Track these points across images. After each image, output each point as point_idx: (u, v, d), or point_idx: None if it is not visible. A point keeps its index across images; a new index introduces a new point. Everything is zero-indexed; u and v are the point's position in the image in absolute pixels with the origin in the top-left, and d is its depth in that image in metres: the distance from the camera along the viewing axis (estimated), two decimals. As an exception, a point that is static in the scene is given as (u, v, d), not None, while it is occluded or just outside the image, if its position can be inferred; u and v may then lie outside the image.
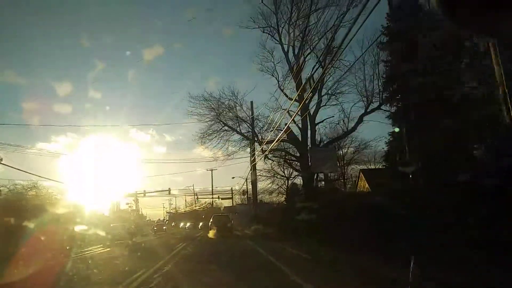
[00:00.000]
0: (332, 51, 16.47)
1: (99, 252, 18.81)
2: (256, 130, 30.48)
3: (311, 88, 13.78)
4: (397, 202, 13.38)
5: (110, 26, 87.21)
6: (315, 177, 27.98)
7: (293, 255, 13.51)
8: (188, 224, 61.62)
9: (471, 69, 12.64)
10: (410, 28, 14.31)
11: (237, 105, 30.42)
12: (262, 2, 25.78)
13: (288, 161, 32.14)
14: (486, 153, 10.40)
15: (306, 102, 23.01)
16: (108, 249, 20.35)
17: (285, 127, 22.89)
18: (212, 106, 30.23)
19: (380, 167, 28.52)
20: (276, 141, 25.35)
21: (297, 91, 22.20)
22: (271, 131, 26.91)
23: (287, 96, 26.53)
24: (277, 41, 27.04)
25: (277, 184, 38.52)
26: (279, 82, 27.74)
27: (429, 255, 8.14)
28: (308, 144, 26.98)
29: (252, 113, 30.06)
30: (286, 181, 38.04)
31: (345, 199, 20.15)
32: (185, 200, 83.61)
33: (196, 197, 66.79)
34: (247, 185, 44.17)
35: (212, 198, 61.52)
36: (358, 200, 17.13)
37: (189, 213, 75.71)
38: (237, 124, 30.71)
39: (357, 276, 8.32)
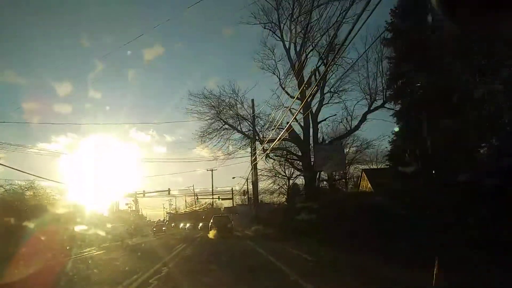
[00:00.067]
0: (335, 48, 16.22)
1: (93, 254, 18.04)
2: (257, 129, 30.07)
3: (316, 81, 13.33)
4: (397, 202, 13.39)
5: (110, 26, 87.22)
6: (317, 176, 27.67)
7: (293, 255, 13.50)
8: (187, 224, 61.48)
9: (472, 69, 12.62)
10: (414, 26, 14.07)
11: (237, 103, 30.02)
12: None
13: (289, 160, 31.66)
14: (487, 153, 10.40)
15: (309, 100, 22.66)
16: (102, 251, 19.47)
17: (287, 126, 22.60)
18: (212, 104, 29.88)
19: (384, 166, 28.26)
20: (278, 140, 25.02)
21: (299, 89, 21.87)
22: (272, 129, 26.59)
23: (288, 94, 26.19)
24: (279, 37, 26.67)
25: (278, 184, 38.18)
26: (281, 80, 27.36)
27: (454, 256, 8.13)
28: (310, 143, 26.64)
29: (253, 111, 29.68)
30: (287, 181, 37.65)
31: (345, 199, 20.15)
32: (185, 201, 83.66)
33: (196, 197, 66.76)
34: (247, 185, 43.96)
35: (213, 198, 61.44)
36: (359, 200, 17.12)
37: (189, 214, 75.64)
38: (238, 122, 30.33)
39: (358, 276, 8.32)
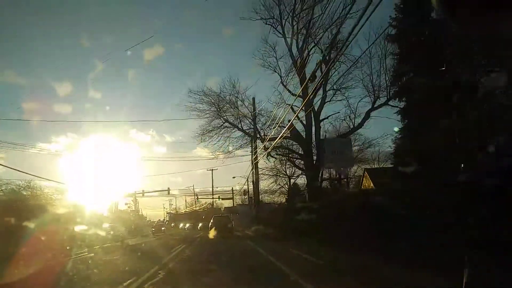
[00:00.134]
0: (338, 45, 15.83)
1: (93, 255, 17.42)
2: (258, 127, 29.62)
3: (322, 73, 13.00)
4: (397, 202, 13.38)
5: (110, 26, 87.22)
6: (320, 175, 27.31)
7: (294, 255, 13.50)
8: (187, 225, 61.40)
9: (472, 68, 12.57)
10: (418, 23, 13.81)
11: (238, 100, 29.60)
12: None
13: (291, 159, 31.14)
14: (487, 153, 10.40)
15: (311, 97, 22.26)
16: (101, 251, 18.81)
17: (289, 124, 22.27)
18: (212, 101, 29.49)
19: (385, 166, 27.91)
20: (279, 138, 24.65)
21: (301, 86, 21.51)
22: (274, 128, 26.29)
23: (290, 92, 25.81)
24: (280, 33, 26.23)
25: (279, 184, 37.68)
26: (282, 78, 26.91)
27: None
28: (313, 141, 26.30)
29: (254, 109, 29.28)
30: (289, 181, 37.17)
31: (345, 199, 20.12)
32: (185, 201, 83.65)
33: (196, 197, 66.74)
34: (248, 184, 43.76)
35: (213, 198, 61.40)
36: (359, 200, 17.09)
37: (189, 214, 75.64)
38: (238, 120, 29.94)
39: (358, 276, 8.32)
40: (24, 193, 27.12)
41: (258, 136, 29.48)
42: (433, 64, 13.45)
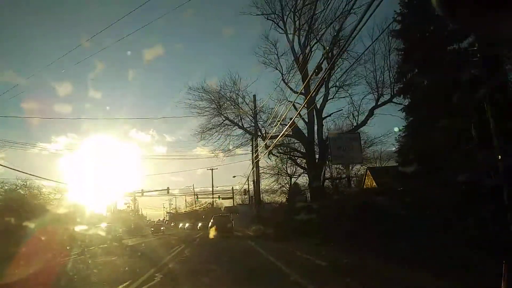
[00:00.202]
0: (340, 41, 15.45)
1: (92, 255, 16.69)
2: (259, 125, 29.07)
3: (328, 64, 12.62)
4: (397, 202, 13.38)
5: (110, 26, 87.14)
6: (322, 174, 26.82)
7: (294, 255, 13.50)
8: (187, 224, 61.40)
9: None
10: (422, 19, 13.53)
11: (239, 97, 29.06)
12: None
13: (292, 157, 30.53)
14: (487, 153, 10.38)
15: (313, 95, 21.83)
16: (89, 255, 16.56)
17: (291, 122, 21.81)
18: (212, 98, 29.04)
19: (387, 165, 27.58)
20: (281, 136, 24.15)
21: (303, 83, 21.10)
22: (275, 125, 25.78)
23: (292, 89, 25.36)
24: (282, 29, 25.72)
25: (280, 184, 36.98)
26: (283, 75, 26.45)
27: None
28: (315, 139, 25.93)
29: (255, 107, 28.79)
30: (289, 180, 36.24)
31: (345, 199, 20.10)
32: (185, 200, 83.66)
33: (196, 197, 66.68)
34: (248, 184, 43.60)
35: (213, 198, 61.40)
36: (359, 200, 17.08)
37: (189, 214, 75.64)
38: (239, 118, 29.48)
39: (358, 276, 8.32)
40: (22, 191, 26.97)
41: (259, 134, 28.93)
42: (438, 60, 13.10)
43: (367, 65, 25.81)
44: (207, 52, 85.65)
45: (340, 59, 21.86)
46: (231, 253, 15.44)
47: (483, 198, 9.75)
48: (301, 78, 23.65)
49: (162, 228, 50.22)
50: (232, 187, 58.72)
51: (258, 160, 30.14)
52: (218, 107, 29.11)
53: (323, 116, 26.32)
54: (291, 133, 25.89)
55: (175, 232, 52.20)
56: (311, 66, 22.97)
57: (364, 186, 31.07)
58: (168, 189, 51.96)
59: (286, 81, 25.94)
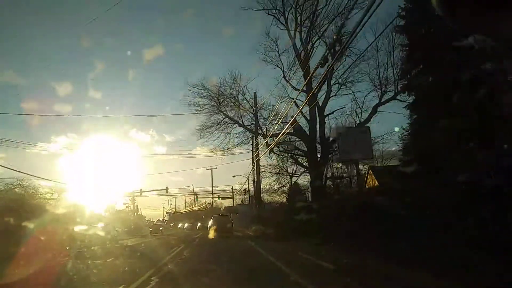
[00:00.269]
0: (343, 38, 15.22)
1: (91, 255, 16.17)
2: (260, 122, 28.58)
3: (335, 55, 12.25)
4: (397, 202, 13.37)
5: (110, 26, 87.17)
6: (324, 173, 26.49)
7: (294, 255, 13.50)
8: (186, 225, 61.39)
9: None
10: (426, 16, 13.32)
11: (239, 93, 28.61)
12: None
13: (294, 156, 30.01)
14: (487, 153, 10.37)
15: (315, 92, 21.37)
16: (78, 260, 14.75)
17: (292, 119, 21.50)
18: (212, 95, 28.68)
19: (394, 163, 27.13)
20: (282, 134, 23.80)
21: (305, 80, 20.75)
22: (276, 123, 25.43)
23: (293, 87, 25.07)
24: (283, 24, 25.30)
25: (280, 183, 36.34)
26: (284, 73, 26.06)
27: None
28: (317, 137, 25.57)
29: (255, 104, 28.39)
30: (290, 180, 35.52)
31: (345, 199, 20.10)
32: (185, 200, 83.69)
33: (195, 197, 66.69)
34: (248, 184, 43.44)
35: (212, 198, 61.39)
36: (359, 200, 17.08)
37: (189, 214, 75.66)
38: (239, 115, 29.10)
39: (358, 276, 8.32)
40: (17, 190, 26.85)
41: (260, 132, 28.53)
42: (438, 60, 12.92)
43: (370, 62, 25.20)
44: (207, 52, 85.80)
45: (342, 55, 21.35)
46: (231, 253, 15.42)
47: (483, 198, 9.74)
48: (302, 76, 23.41)
49: (161, 228, 49.70)
50: (232, 187, 58.78)
51: (259, 159, 29.74)
52: (218, 104, 28.73)
53: (325, 114, 25.93)
54: (292, 131, 25.61)
55: (174, 232, 52.10)
56: (313, 63, 23.00)
57: (367, 186, 30.71)
58: (167, 188, 51.43)
59: (287, 79, 25.63)
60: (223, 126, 29.25)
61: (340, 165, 29.51)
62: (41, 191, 29.74)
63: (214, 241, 25.37)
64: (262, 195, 35.87)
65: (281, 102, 26.20)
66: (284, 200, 37.23)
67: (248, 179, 40.62)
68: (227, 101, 28.86)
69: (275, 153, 29.56)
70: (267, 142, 26.21)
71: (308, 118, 25.61)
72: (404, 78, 16.69)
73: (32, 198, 27.39)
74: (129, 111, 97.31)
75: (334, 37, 12.16)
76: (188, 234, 42.24)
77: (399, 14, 14.76)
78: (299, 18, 24.66)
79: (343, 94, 26.82)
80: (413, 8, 14.21)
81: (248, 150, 33.16)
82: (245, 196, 54.60)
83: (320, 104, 25.48)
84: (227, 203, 63.36)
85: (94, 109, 75.49)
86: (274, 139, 25.20)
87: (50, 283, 9.34)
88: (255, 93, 28.81)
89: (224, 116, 29.04)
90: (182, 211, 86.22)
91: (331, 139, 26.20)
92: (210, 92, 28.83)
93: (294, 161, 31.09)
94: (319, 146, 26.52)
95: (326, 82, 24.44)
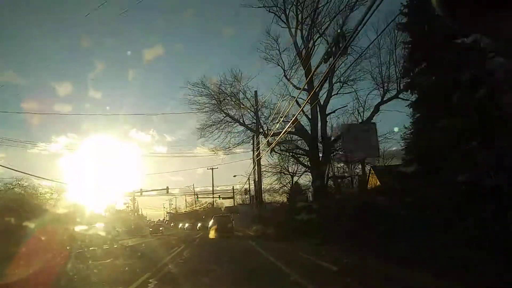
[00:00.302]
0: (345, 36, 15.08)
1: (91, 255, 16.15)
2: (261, 121, 28.38)
3: (340, 49, 12.08)
4: (397, 202, 13.37)
5: (110, 26, 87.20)
6: (326, 173, 26.25)
7: (294, 255, 13.51)
8: (186, 224, 61.39)
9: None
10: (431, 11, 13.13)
11: (240, 92, 28.41)
12: None
13: (295, 155, 29.76)
14: (487, 153, 10.36)
15: (317, 90, 21.18)
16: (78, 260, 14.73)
17: (293, 118, 21.29)
18: (212, 93, 28.50)
19: (397, 163, 26.90)
20: (283, 133, 23.66)
21: (306, 79, 20.53)
22: (277, 122, 25.23)
23: (294, 85, 24.76)
24: (284, 22, 25.03)
25: (281, 183, 36.15)
26: (285, 71, 25.84)
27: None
28: (319, 136, 25.40)
29: (256, 103, 28.16)
30: (291, 179, 35.30)
31: (346, 199, 20.08)
32: (185, 200, 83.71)
33: (196, 197, 66.66)
34: (249, 183, 43.32)
35: (213, 197, 61.36)
36: (359, 200, 17.07)
37: (189, 214, 75.67)
38: (240, 114, 28.93)
39: (358, 276, 8.32)
40: (17, 190, 26.81)
41: (261, 130, 28.33)
42: (439, 59, 12.81)
43: (372, 60, 24.97)
44: (207, 52, 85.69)
45: (346, 51, 21.29)
46: (231, 253, 15.41)
47: (483, 198, 9.73)
48: (303, 74, 23.22)
49: (161, 228, 49.43)
50: (233, 187, 58.69)
51: (260, 158, 29.51)
52: (218, 103, 28.53)
53: (327, 113, 25.72)
54: (293, 130, 25.45)
55: (175, 232, 52.04)
56: (314, 62, 22.62)
57: (369, 186, 30.47)
58: (167, 188, 51.37)
59: (288, 77, 25.45)
60: (224, 125, 29.12)
61: (342, 164, 29.43)
62: (40, 191, 29.76)
63: (214, 241, 25.37)
64: (263, 195, 35.63)
65: (282, 101, 25.93)
66: (285, 200, 37.21)
67: (249, 178, 40.47)
68: (227, 99, 28.70)
69: (276, 152, 29.40)
70: (268, 141, 26.00)
71: (310, 117, 25.41)
72: (406, 76, 16.46)
73: (33, 198, 27.37)
74: (129, 111, 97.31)
75: (339, 31, 11.90)
76: (189, 234, 42.21)
77: (401, 11, 14.54)
78: (300, 16, 24.49)
79: (345, 93, 26.63)
80: (416, 5, 14.07)
81: (249, 150, 33.00)
82: (246, 196, 54.58)
83: (322, 103, 25.28)
84: (228, 203, 63.41)
85: (94, 109, 75.68)
86: (275, 138, 25.02)
87: (50, 283, 9.34)
88: (255, 91, 28.62)
89: (224, 115, 28.90)
90: (183, 211, 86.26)
91: (332, 138, 26.08)
92: (210, 90, 28.70)
93: (295, 161, 30.86)
94: (321, 145, 26.30)
95: (327, 81, 24.29)
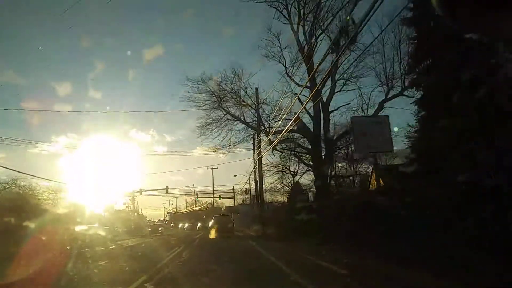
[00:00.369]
0: (348, 32, 14.82)
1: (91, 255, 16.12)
2: (262, 119, 27.86)
3: (345, 43, 11.77)
4: (397, 202, 13.37)
5: (110, 26, 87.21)
6: (329, 172, 25.92)
7: (294, 255, 13.51)
8: (186, 224, 61.32)
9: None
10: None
11: (241, 89, 27.87)
12: None
13: (297, 154, 29.20)
14: (487, 153, 10.36)
15: (319, 87, 20.83)
16: (88, 256, 15.49)
17: (296, 116, 20.90)
18: (212, 90, 28.03)
19: (399, 162, 26.67)
20: (285, 131, 23.25)
21: (309, 76, 20.15)
22: (279, 120, 24.80)
23: (296, 83, 24.47)
24: (286, 18, 24.45)
25: (282, 182, 35.59)
26: (287, 69, 25.37)
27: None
28: (321, 135, 25.00)
29: (257, 101, 27.64)
30: (292, 179, 34.87)
31: (346, 199, 20.06)
32: (186, 200, 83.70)
33: (196, 196, 66.61)
34: (250, 183, 43.17)
35: (213, 197, 61.27)
36: (359, 200, 17.06)
37: (189, 214, 75.64)
38: (241, 111, 28.41)
39: (358, 276, 8.32)
40: (14, 189, 26.77)
41: (262, 128, 27.88)
42: (444, 56, 12.63)
43: (376, 57, 24.23)
44: (207, 52, 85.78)
45: (347, 50, 20.40)
46: (232, 253, 15.40)
47: (483, 198, 9.73)
48: (306, 71, 22.81)
49: (160, 228, 49.20)
50: (233, 187, 58.59)
51: (261, 157, 29.08)
52: (219, 100, 28.09)
53: (330, 110, 25.24)
54: (295, 129, 25.06)
55: (175, 232, 51.93)
56: (316, 58, 22.07)
57: (370, 185, 30.13)
58: (167, 188, 51.20)
59: (289, 75, 25.12)
60: (224, 123, 28.64)
61: (344, 164, 29.21)
62: (38, 191, 29.73)
63: (214, 241, 25.33)
64: (264, 194, 34.94)
65: (284, 98, 25.17)
66: (286, 200, 37.08)
67: (249, 178, 40.24)
68: (228, 96, 28.22)
69: (278, 151, 28.98)
70: (269, 139, 25.62)
71: (312, 115, 25.00)
72: (412, 73, 16.08)
73: (33, 198, 27.37)
74: (130, 111, 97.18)
75: (348, 17, 11.65)
76: (188, 234, 42.15)
77: (406, 5, 13.90)
78: (302, 11, 24.07)
79: (348, 90, 26.09)
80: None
81: (249, 149, 32.70)
82: (246, 196, 54.50)
83: (325, 100, 24.85)
84: (228, 203, 63.38)
85: (94, 109, 75.69)
86: (277, 136, 24.66)
87: (51, 283, 9.34)
88: (256, 88, 28.10)
89: (225, 113, 28.43)
90: (183, 211, 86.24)
91: (335, 137, 25.70)
92: (210, 87, 28.23)
93: (297, 159, 30.36)
94: (324, 144, 25.91)
95: (330, 78, 23.84)
